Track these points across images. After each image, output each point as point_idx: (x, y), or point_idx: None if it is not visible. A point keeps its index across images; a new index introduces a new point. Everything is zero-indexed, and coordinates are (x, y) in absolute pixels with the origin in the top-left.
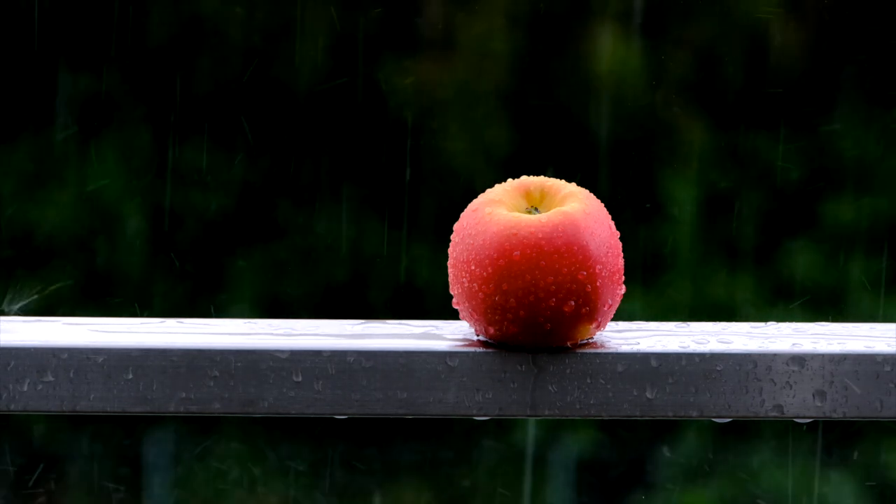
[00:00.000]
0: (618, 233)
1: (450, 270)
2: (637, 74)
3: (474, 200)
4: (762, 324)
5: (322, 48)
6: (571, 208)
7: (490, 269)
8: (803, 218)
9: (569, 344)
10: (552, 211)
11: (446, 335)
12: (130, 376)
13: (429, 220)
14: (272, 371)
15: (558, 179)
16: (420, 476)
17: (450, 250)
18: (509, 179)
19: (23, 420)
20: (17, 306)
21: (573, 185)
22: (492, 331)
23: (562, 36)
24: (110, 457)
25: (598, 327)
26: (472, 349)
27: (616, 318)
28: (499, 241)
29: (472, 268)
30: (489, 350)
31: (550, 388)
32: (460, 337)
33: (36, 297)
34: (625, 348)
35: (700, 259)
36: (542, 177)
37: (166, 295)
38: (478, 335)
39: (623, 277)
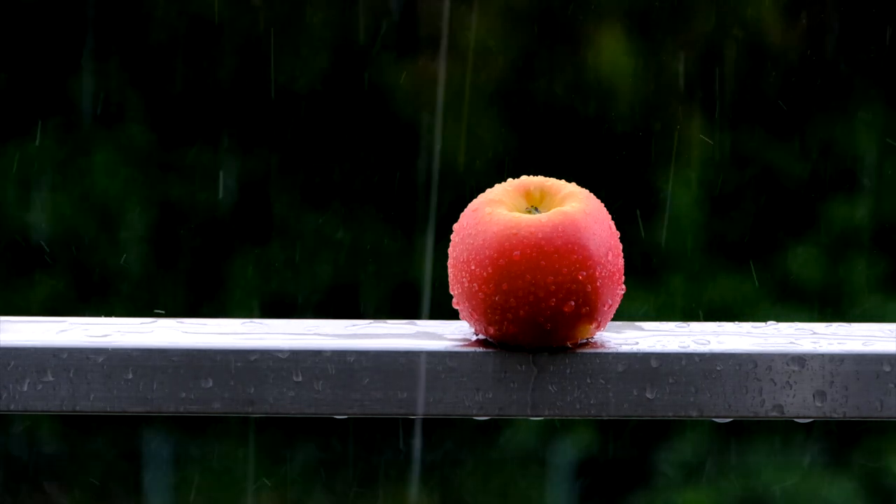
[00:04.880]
0: (618, 233)
1: (450, 270)
2: (637, 74)
3: (474, 200)
4: (762, 324)
5: (322, 47)
6: (571, 208)
7: (490, 269)
8: (804, 218)
9: (569, 344)
10: (552, 211)
11: (446, 335)
12: (130, 376)
13: (429, 219)
14: (272, 371)
15: (558, 179)
16: (420, 476)
17: (450, 250)
18: (509, 179)
19: (21, 420)
20: None
21: (573, 185)
22: (492, 331)
23: (562, 35)
24: (110, 456)
25: (598, 327)
26: (472, 349)
27: (616, 318)
28: (499, 241)
29: (472, 268)
30: (489, 350)
31: (550, 388)
32: (460, 337)
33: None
34: (625, 348)
35: (700, 259)
36: (541, 177)
37: (166, 295)
38: (478, 335)
39: (623, 277)
